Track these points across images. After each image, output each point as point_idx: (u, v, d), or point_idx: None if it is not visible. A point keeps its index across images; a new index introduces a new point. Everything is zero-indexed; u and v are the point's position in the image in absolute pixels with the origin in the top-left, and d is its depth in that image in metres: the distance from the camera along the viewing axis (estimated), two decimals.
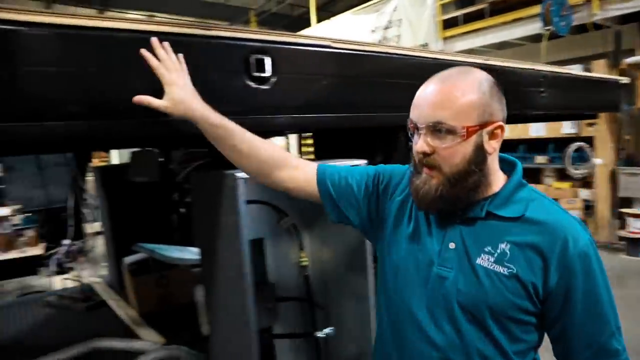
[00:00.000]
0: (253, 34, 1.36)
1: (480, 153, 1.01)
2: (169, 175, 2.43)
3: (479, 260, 1.01)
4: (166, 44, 1.15)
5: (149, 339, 2.41)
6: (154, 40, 1.13)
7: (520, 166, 1.11)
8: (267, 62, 1.34)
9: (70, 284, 4.15)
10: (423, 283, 1.07)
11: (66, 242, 4.53)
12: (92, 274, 4.28)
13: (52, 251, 4.74)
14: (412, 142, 1.06)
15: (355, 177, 1.24)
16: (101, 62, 1.10)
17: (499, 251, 1.00)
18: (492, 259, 1.01)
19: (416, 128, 1.03)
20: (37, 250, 4.83)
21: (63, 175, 4.79)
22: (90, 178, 4.28)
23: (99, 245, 4.63)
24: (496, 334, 1.00)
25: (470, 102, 0.99)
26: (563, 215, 1.03)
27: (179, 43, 1.22)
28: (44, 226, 5.35)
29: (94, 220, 5.07)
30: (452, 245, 1.05)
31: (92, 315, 2.91)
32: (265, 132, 1.42)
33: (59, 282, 4.39)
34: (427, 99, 1.01)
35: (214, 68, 1.28)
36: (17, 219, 5.26)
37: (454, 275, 1.03)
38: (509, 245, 1.00)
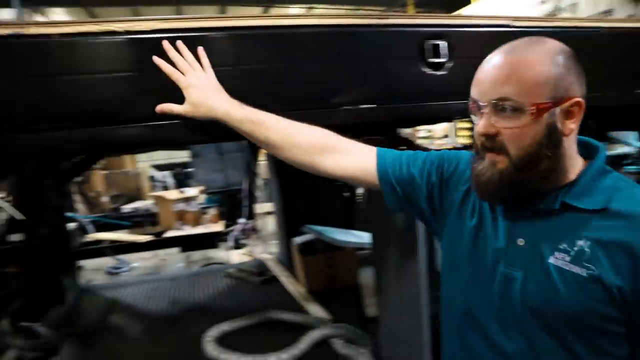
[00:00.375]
0: (428, 19, 1.34)
1: (553, 134, 0.86)
2: None
3: (552, 260, 0.87)
4: (179, 43, 1.11)
5: (317, 316, 2.56)
6: (165, 43, 1.11)
7: (603, 150, 0.93)
8: (443, 47, 1.31)
9: (244, 258, 4.60)
10: (488, 284, 0.94)
11: (241, 220, 5.05)
12: (263, 251, 4.69)
13: (230, 228, 5.31)
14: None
15: (417, 165, 1.11)
16: (274, 58, 1.19)
17: (576, 249, 0.85)
18: (567, 258, 0.86)
19: (478, 107, 0.90)
20: (218, 227, 5.46)
21: (239, 161, 5.34)
22: (262, 163, 4.70)
23: (269, 224, 5.06)
24: (574, 345, 0.85)
25: (540, 75, 0.85)
26: None
27: (352, 34, 1.26)
28: (223, 206, 6.03)
29: (264, 202, 5.55)
30: (520, 242, 0.91)
31: (266, 288, 3.19)
32: (440, 118, 1.40)
33: (235, 256, 4.89)
34: (490, 73, 0.88)
35: (388, 56, 1.29)
36: (202, 199, 6.01)
37: (522, 276, 0.90)
38: (588, 243, 0.85)
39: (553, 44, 0.89)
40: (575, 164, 0.91)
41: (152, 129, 1.12)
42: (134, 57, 1.11)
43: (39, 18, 9.43)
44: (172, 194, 5.97)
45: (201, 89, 1.11)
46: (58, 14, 10.42)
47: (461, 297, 1.00)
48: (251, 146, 4.33)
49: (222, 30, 1.12)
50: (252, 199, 5.35)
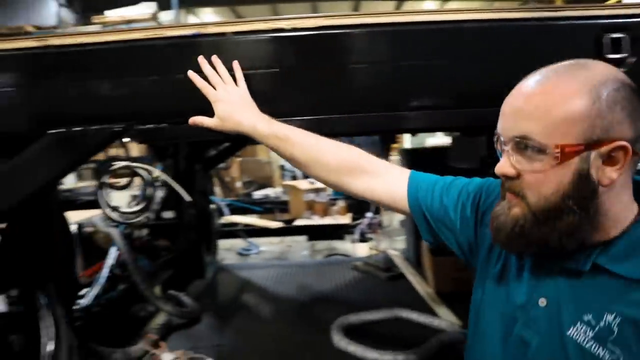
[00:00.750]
0: (608, 9, 1.21)
1: (584, 184, 0.71)
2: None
3: (571, 331, 0.73)
4: (214, 57, 1.13)
5: (445, 319, 2.49)
6: (200, 58, 1.12)
7: None
8: (625, 40, 1.17)
9: (369, 252, 4.63)
10: (501, 344, 0.83)
11: (369, 214, 5.08)
12: (388, 246, 4.67)
13: (357, 222, 5.38)
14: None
15: (452, 195, 0.98)
16: (436, 55, 1.15)
17: (602, 324, 0.71)
18: (590, 334, 0.72)
19: (500, 143, 0.78)
20: (345, 219, 5.58)
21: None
22: (393, 158, 4.68)
23: (395, 220, 5.03)
24: None
25: (571, 111, 0.69)
26: None
27: (519, 28, 1.18)
28: (351, 198, 6.12)
29: None
30: (542, 302, 0.78)
31: (392, 284, 3.17)
32: None
33: (360, 249, 4.94)
34: (515, 104, 0.75)
35: (560, 52, 1.19)
36: (330, 191, 6.17)
37: (538, 342, 0.77)
38: (618, 319, 0.69)
39: (601, 71, 0.73)
40: (621, 218, 0.75)
41: (313, 123, 1.16)
42: (298, 52, 1.15)
43: (191, 19, 10.35)
44: (303, 184, 6.21)
45: (229, 103, 1.11)
46: (206, 13, 11.34)
47: (475, 353, 0.90)
48: (382, 140, 4.33)
49: (385, 26, 1.12)
50: None
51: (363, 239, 5.14)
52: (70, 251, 2.01)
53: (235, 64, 1.15)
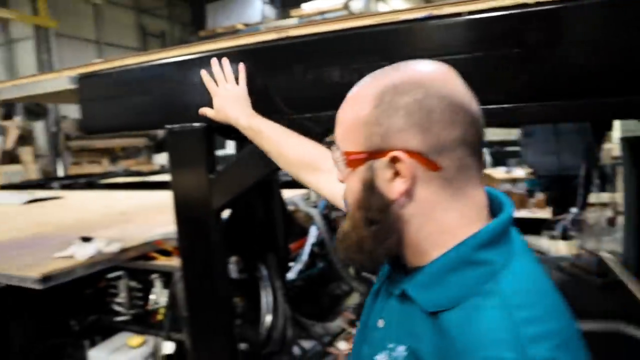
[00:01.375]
0: None
1: (371, 196, 0.67)
2: None
3: (378, 358, 0.70)
4: (224, 59, 1.31)
5: None
6: (213, 60, 1.32)
7: (502, 219, 0.66)
8: None
9: (571, 251, 4.16)
10: None
11: (574, 210, 4.56)
12: (594, 247, 4.15)
13: (559, 217, 4.85)
14: None
15: None
16: None
17: (394, 355, 0.67)
18: None
19: None
20: (545, 213, 5.09)
21: (577, 143, 4.78)
22: (608, 147, 4.11)
23: (602, 219, 4.43)
24: None
25: (354, 116, 0.68)
26: (497, 336, 0.57)
27: None
28: (550, 190, 5.55)
29: (603, 191, 4.87)
30: (380, 323, 0.75)
31: (609, 293, 2.79)
32: None
33: (560, 248, 4.46)
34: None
35: None
36: (525, 182, 5.71)
37: None
38: (405, 353, 0.66)
39: (404, 73, 0.67)
40: (442, 241, 0.66)
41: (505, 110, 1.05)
42: (541, 30, 1.03)
43: (381, 7, 10.45)
44: (499, 173, 5.88)
45: (224, 98, 1.28)
46: None
47: None
48: (594, 128, 3.84)
49: None
50: (588, 187, 4.75)
51: (565, 236, 4.62)
52: (286, 227, 2.18)
53: (241, 66, 1.30)
